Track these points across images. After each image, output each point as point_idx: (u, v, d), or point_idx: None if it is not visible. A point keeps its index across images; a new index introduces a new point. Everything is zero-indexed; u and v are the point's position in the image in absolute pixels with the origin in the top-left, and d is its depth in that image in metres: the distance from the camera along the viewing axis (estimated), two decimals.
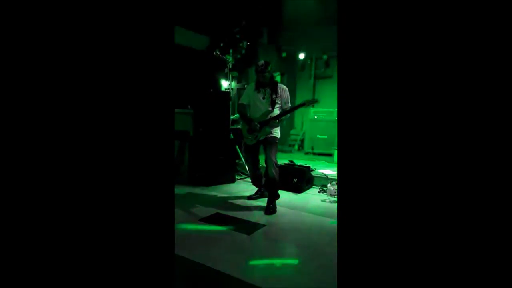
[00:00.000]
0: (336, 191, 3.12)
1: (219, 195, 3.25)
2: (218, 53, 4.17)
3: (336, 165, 4.39)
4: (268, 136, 2.73)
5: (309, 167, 3.73)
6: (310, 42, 6.07)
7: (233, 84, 4.76)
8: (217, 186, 3.59)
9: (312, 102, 2.78)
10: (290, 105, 2.79)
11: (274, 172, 2.68)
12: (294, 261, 1.82)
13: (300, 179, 3.43)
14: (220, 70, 4.61)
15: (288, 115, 2.77)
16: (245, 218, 2.51)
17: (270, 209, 2.67)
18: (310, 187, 3.61)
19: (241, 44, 4.40)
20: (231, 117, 4.07)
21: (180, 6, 4.22)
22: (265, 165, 2.78)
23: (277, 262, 1.79)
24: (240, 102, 2.93)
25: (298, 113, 6.31)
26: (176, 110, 3.85)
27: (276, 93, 2.72)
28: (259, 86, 2.77)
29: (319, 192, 3.40)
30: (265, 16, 5.39)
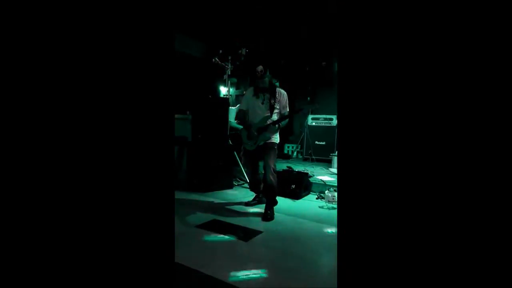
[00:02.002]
0: (334, 197, 3.11)
1: (217, 201, 3.24)
2: (217, 59, 4.20)
3: (334, 171, 4.39)
4: (267, 141, 2.73)
5: (307, 173, 3.73)
6: (310, 49, 6.12)
7: (232, 90, 4.78)
8: (215, 192, 3.57)
9: (311, 107, 2.79)
10: (288, 110, 2.79)
11: (272, 178, 2.67)
12: (292, 268, 1.80)
13: (298, 186, 3.42)
14: (218, 76, 4.63)
15: (287, 120, 2.78)
16: (242, 224, 2.50)
17: (268, 215, 2.66)
18: (308, 193, 3.60)
19: (240, 51, 4.44)
20: (232, 122, 4.08)
21: (180, 13, 4.26)
22: (263, 171, 2.77)
23: (274, 269, 1.77)
24: (239, 108, 2.94)
25: (296, 119, 6.33)
26: (175, 116, 3.86)
27: (275, 98, 2.72)
28: (258, 92, 2.78)
29: (317, 198, 3.39)
30: (264, 23, 5.45)
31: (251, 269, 1.74)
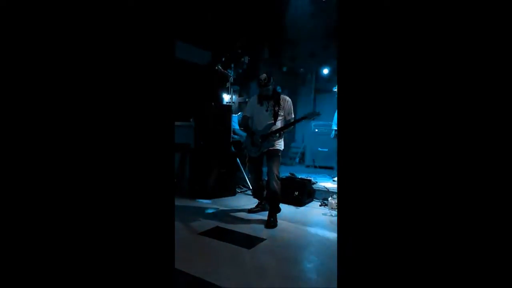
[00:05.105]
0: (337, 204, 3.09)
1: (220, 208, 3.23)
2: (220, 67, 4.25)
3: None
4: (271, 148, 2.73)
5: (310, 180, 3.71)
6: (311, 56, 6.18)
7: (235, 97, 4.82)
8: (218, 199, 3.56)
9: (313, 115, 2.79)
10: (293, 116, 2.80)
11: (275, 185, 2.67)
12: (295, 276, 1.78)
13: (301, 192, 3.41)
14: (221, 84, 4.68)
15: (291, 127, 2.80)
16: (245, 232, 2.48)
17: (271, 222, 2.64)
18: (311, 200, 3.58)
19: (242, 59, 4.49)
20: (237, 129, 4.09)
21: (184, 22, 4.33)
22: (267, 178, 2.77)
23: (277, 277, 1.76)
24: (244, 114, 2.96)
25: (298, 126, 6.33)
26: (177, 123, 3.88)
27: (279, 105, 2.74)
28: (262, 99, 2.79)
29: (320, 205, 3.38)
30: (266, 31, 5.52)
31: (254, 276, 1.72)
